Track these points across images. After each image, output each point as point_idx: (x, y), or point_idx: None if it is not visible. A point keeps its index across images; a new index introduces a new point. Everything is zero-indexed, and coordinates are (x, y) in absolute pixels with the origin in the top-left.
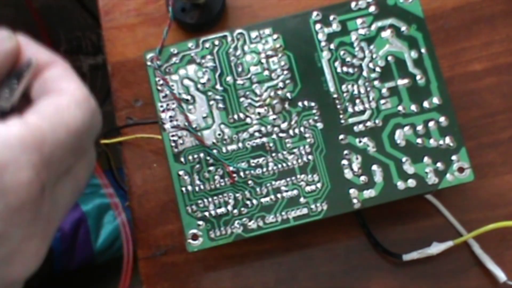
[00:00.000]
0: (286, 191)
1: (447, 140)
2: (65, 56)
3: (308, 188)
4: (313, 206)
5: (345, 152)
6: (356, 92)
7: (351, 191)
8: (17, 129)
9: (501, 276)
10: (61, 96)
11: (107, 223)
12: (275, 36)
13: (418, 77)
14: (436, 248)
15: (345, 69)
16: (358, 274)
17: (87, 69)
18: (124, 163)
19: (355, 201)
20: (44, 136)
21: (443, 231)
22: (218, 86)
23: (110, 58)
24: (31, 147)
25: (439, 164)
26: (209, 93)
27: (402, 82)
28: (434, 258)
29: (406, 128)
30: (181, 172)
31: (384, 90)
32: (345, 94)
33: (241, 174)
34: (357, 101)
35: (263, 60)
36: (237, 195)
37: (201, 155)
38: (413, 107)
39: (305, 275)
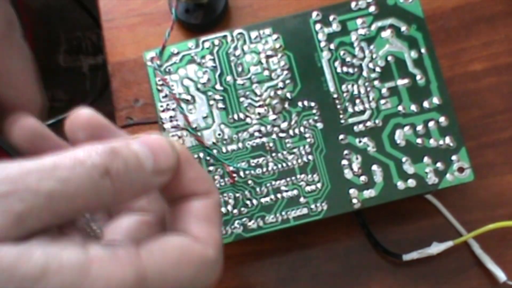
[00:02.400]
0: (286, 191)
1: (447, 140)
2: (65, 56)
3: (308, 188)
4: (313, 206)
5: (345, 152)
6: (356, 92)
7: (351, 191)
8: None
9: (501, 276)
10: (195, 244)
11: None
12: (275, 36)
13: (418, 77)
14: (436, 248)
15: (345, 69)
16: (358, 274)
17: (87, 69)
18: None
19: (355, 201)
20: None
21: (443, 231)
22: (218, 86)
23: (110, 58)
24: None
25: (439, 164)
26: (209, 93)
27: (402, 82)
28: (434, 258)
29: (406, 128)
30: None
31: (384, 90)
32: (345, 94)
33: (241, 174)
34: (357, 101)
35: (263, 60)
36: (237, 195)
37: (201, 154)
38: (413, 107)
39: (305, 275)
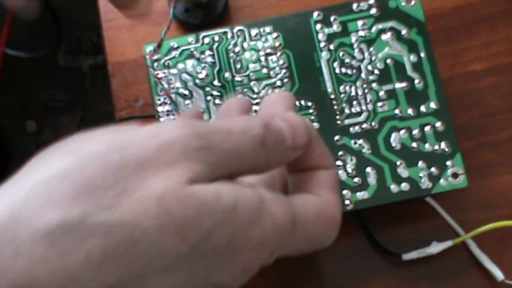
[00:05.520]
0: None
1: (443, 145)
2: (65, 56)
3: None
4: None
5: (340, 153)
6: (353, 93)
7: (344, 192)
8: None
9: (498, 275)
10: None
11: None
12: (275, 35)
13: (416, 81)
14: (435, 248)
15: (343, 70)
16: (358, 274)
17: (87, 69)
18: None
19: (347, 202)
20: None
21: (443, 231)
22: (216, 82)
23: (110, 58)
24: None
25: (433, 169)
26: (207, 89)
27: (400, 85)
28: (433, 258)
29: (402, 132)
30: None
31: (381, 93)
32: (342, 95)
33: None
34: (354, 102)
35: (262, 58)
36: None
37: None
38: (410, 111)
39: (305, 275)
